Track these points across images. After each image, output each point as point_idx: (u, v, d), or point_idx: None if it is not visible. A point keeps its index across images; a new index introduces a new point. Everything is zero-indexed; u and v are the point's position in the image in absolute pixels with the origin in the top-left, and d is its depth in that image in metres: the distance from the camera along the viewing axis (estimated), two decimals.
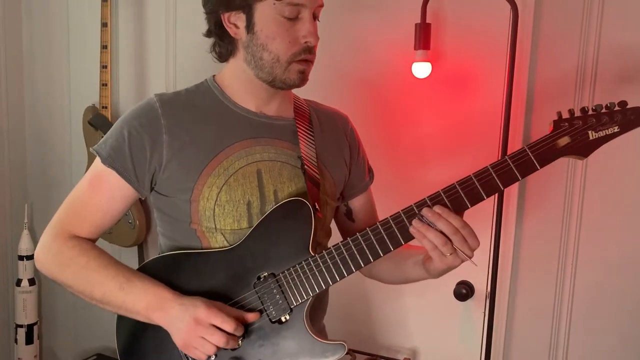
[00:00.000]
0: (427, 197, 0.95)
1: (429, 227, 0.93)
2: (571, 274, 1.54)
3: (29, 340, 2.12)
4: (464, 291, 1.58)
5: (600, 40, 1.44)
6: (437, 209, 0.93)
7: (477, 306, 1.60)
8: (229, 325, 0.93)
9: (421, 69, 1.48)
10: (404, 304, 1.70)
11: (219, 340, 0.92)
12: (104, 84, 1.93)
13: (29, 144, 2.24)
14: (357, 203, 1.18)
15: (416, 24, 1.46)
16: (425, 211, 0.94)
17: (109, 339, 2.17)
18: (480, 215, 1.54)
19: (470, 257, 0.94)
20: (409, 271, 1.06)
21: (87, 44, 2.02)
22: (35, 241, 2.19)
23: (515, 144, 1.50)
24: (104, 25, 1.90)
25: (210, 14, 1.01)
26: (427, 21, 1.45)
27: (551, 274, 1.56)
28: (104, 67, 1.92)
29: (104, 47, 1.91)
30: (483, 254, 1.53)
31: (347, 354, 1.76)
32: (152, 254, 2.04)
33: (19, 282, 2.12)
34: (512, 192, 1.53)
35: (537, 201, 1.56)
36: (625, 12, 1.42)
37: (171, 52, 1.93)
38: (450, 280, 1.60)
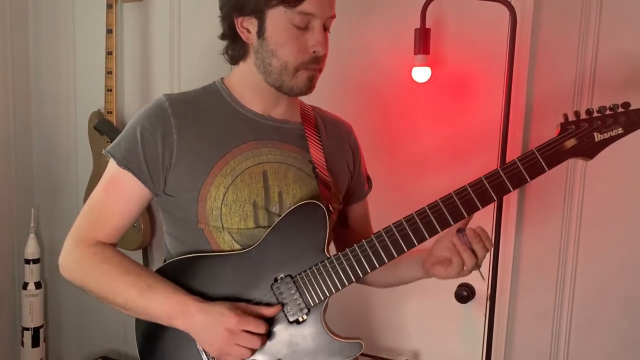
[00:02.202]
0: (454, 191, 0.98)
1: (466, 247, 0.98)
2: (571, 276, 1.55)
3: (35, 343, 2.14)
4: (464, 293, 1.59)
5: (598, 45, 1.45)
6: (479, 230, 0.99)
7: (478, 308, 1.61)
8: (261, 329, 0.95)
9: (421, 74, 1.50)
10: (406, 307, 1.71)
11: (255, 344, 0.95)
12: (109, 90, 1.95)
13: (35, 149, 2.27)
14: (353, 210, 1.20)
15: (416, 29, 1.48)
16: (469, 231, 0.99)
17: (114, 342, 2.19)
18: (481, 217, 1.55)
19: (484, 279, 1.04)
20: (403, 273, 1.09)
21: (92, 50, 2.05)
22: (41, 245, 2.22)
23: (515, 149, 1.51)
24: (109, 31, 1.93)
25: (225, 17, 1.04)
26: (426, 26, 1.47)
27: (551, 276, 1.57)
28: (109, 72, 1.95)
29: (109, 53, 1.94)
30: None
31: None
32: (157, 257, 2.07)
33: (25, 286, 2.14)
34: (512, 195, 1.54)
35: (537, 204, 1.57)
36: (622, 19, 1.43)
37: (175, 58, 1.95)
38: (451, 283, 1.61)
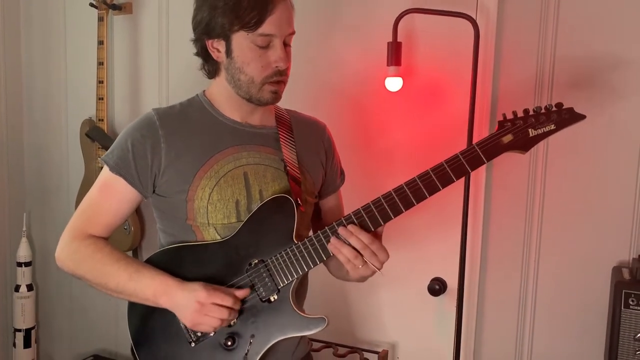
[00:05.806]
0: (405, 182, 1.07)
1: (343, 243, 1.08)
2: (534, 269, 1.67)
3: (26, 344, 2.20)
4: (437, 287, 1.70)
5: (555, 57, 1.59)
6: (350, 227, 1.08)
7: (449, 301, 1.72)
8: (227, 301, 1.06)
9: (393, 83, 1.61)
10: (382, 301, 1.81)
11: (222, 314, 1.06)
12: (100, 98, 2.02)
13: (27, 155, 2.32)
14: (327, 202, 1.31)
15: (388, 43, 1.59)
16: (340, 229, 1.08)
17: (105, 341, 2.25)
18: (450, 219, 1.67)
19: (379, 269, 1.09)
20: (345, 273, 1.16)
21: (84, 60, 2.12)
22: (33, 248, 2.27)
23: None
24: (100, 43, 2.00)
25: (197, 40, 1.16)
26: (398, 40, 1.58)
27: (516, 270, 1.69)
28: (100, 82, 2.01)
29: (100, 63, 2.01)
30: (454, 253, 1.65)
31: (329, 347, 1.86)
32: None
33: (17, 288, 2.19)
34: (478, 196, 1.66)
35: (502, 204, 1.69)
36: (577, 32, 1.57)
37: (164, 68, 2.03)
38: (424, 277, 1.73)
